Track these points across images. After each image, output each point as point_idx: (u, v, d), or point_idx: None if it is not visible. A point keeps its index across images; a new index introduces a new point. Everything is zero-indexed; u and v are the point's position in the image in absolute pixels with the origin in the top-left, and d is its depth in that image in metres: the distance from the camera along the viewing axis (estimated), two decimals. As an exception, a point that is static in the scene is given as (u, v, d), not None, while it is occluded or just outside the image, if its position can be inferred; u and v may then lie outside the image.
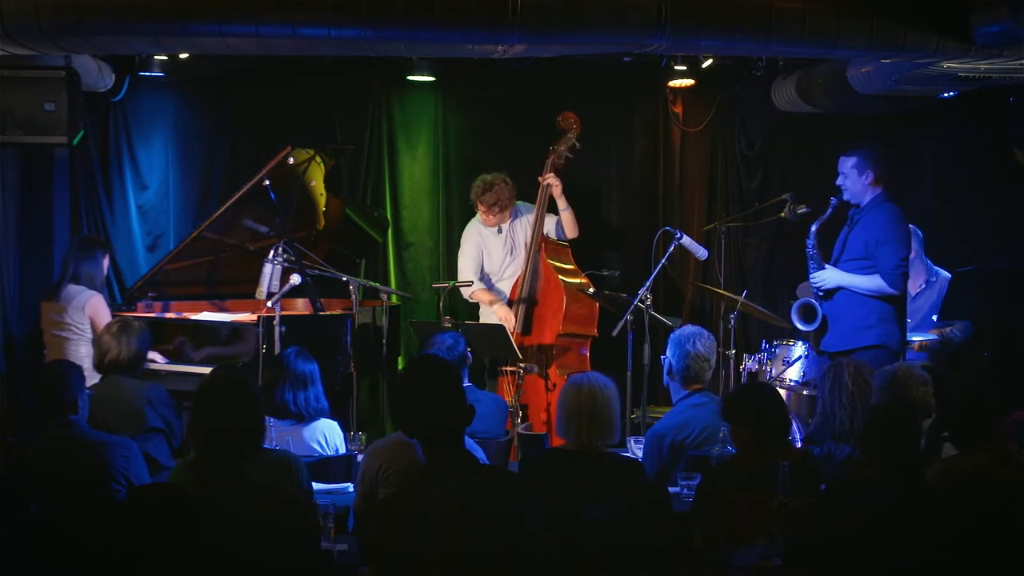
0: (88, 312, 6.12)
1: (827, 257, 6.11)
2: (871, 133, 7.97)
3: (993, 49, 5.34)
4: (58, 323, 6.14)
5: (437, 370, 3.52)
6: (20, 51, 5.34)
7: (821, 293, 6.05)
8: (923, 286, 6.93)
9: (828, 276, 6.02)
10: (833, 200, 6.05)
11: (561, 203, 6.89)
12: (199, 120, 7.78)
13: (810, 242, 6.08)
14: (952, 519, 3.36)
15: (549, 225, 6.93)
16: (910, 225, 6.93)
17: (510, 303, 6.91)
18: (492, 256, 7.04)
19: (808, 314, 6.10)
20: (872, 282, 5.90)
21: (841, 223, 6.17)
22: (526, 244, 6.95)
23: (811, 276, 6.08)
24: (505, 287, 7.03)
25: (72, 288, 6.16)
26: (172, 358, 6.34)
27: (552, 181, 6.82)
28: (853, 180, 6.00)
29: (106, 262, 6.39)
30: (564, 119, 6.92)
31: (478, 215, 7.04)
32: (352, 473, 4.52)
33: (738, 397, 4.30)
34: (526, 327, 6.81)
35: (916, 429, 3.77)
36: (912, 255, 6.89)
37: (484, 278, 7.03)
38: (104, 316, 6.11)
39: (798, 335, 6.49)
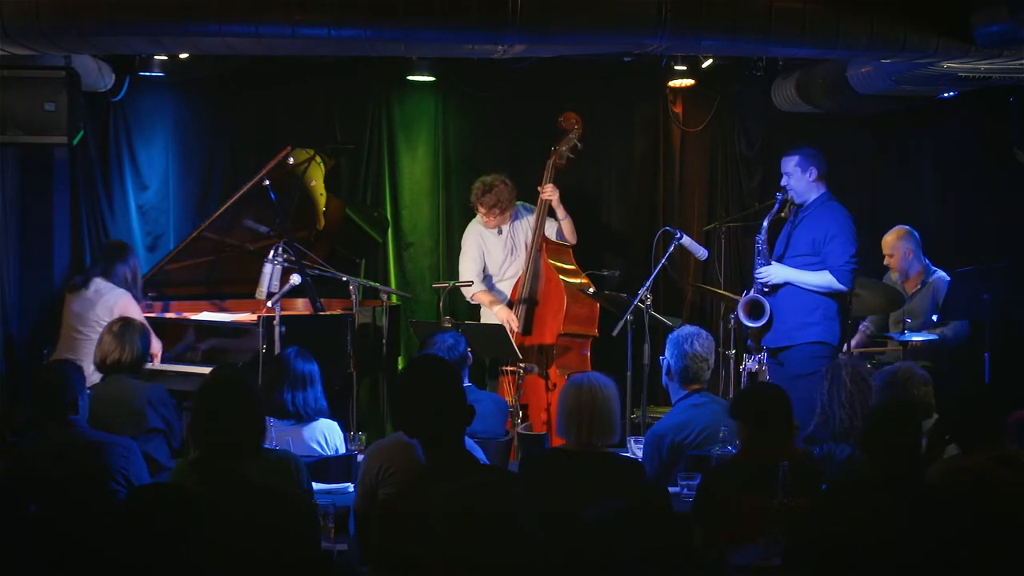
0: (117, 312, 6.06)
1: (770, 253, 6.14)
2: (871, 133, 7.98)
3: (993, 49, 5.34)
4: (81, 317, 6.08)
5: (437, 370, 3.52)
6: (20, 51, 5.34)
7: (767, 289, 6.06)
8: (919, 287, 6.93)
9: (774, 272, 6.02)
10: (779, 196, 6.10)
11: (560, 212, 6.90)
12: (199, 120, 7.78)
13: (760, 237, 6.10)
14: (953, 519, 3.36)
15: (549, 230, 6.94)
16: (904, 226, 6.96)
17: (511, 304, 6.91)
18: (492, 256, 7.04)
19: (755, 310, 6.10)
20: (821, 278, 5.92)
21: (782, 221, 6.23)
22: (526, 245, 6.96)
23: (757, 271, 6.09)
24: (506, 288, 7.03)
25: (102, 284, 6.10)
26: (172, 358, 6.33)
27: (550, 195, 6.83)
28: (797, 178, 6.03)
29: (135, 262, 6.36)
30: (566, 119, 6.92)
31: (479, 216, 7.04)
32: (352, 473, 4.52)
33: (745, 395, 4.31)
34: (527, 327, 6.81)
35: (916, 429, 3.77)
36: (910, 257, 6.91)
37: (485, 279, 7.03)
38: (134, 315, 6.06)
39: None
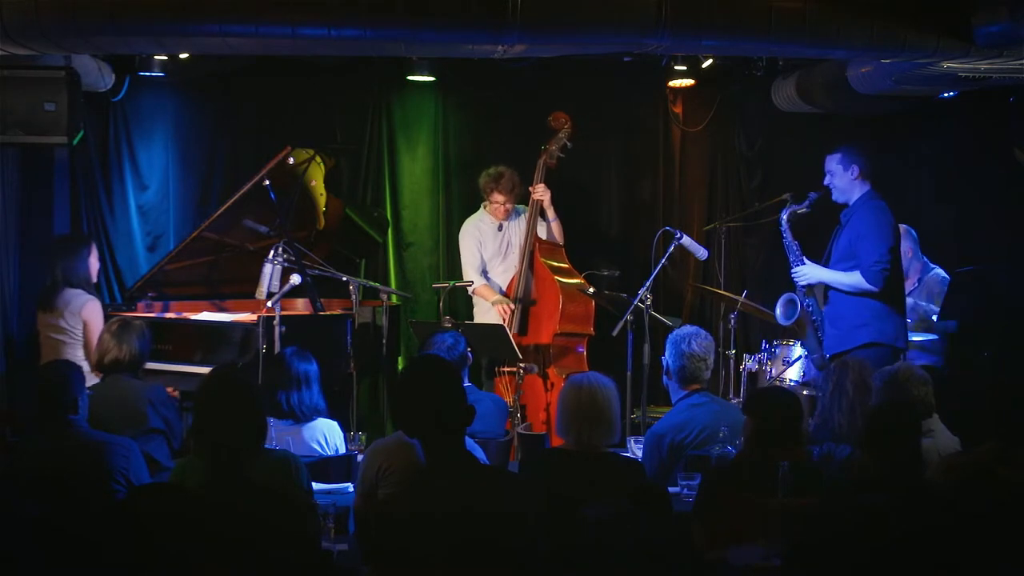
0: (84, 316, 6.10)
1: (819, 258, 6.09)
2: (871, 133, 7.96)
3: (993, 49, 5.34)
4: (55, 327, 6.13)
5: (437, 370, 3.52)
6: (20, 51, 5.33)
7: (803, 289, 6.04)
8: (916, 285, 6.94)
9: (807, 272, 6.01)
10: (812, 195, 6.04)
11: (550, 213, 6.92)
12: (199, 120, 7.78)
13: (783, 229, 6.07)
14: (953, 518, 3.36)
15: (540, 232, 6.96)
16: (903, 225, 6.95)
17: (506, 296, 6.92)
18: (487, 250, 7.05)
19: (791, 308, 6.10)
20: (851, 279, 5.86)
21: (827, 224, 6.17)
22: (520, 245, 6.98)
23: (792, 271, 6.07)
24: (499, 281, 7.05)
25: (69, 292, 6.14)
26: (172, 358, 6.34)
27: (542, 195, 6.84)
28: (840, 176, 5.97)
29: (93, 257, 6.33)
30: (555, 119, 6.94)
31: (479, 212, 7.07)
32: (352, 473, 4.52)
33: (762, 394, 4.30)
34: (522, 327, 6.82)
35: (916, 429, 3.77)
36: (910, 256, 6.90)
37: (483, 272, 7.05)
38: (98, 320, 6.08)
39: (788, 333, 6.48)
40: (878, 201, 5.97)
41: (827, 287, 6.04)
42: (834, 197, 6.04)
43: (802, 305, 6.05)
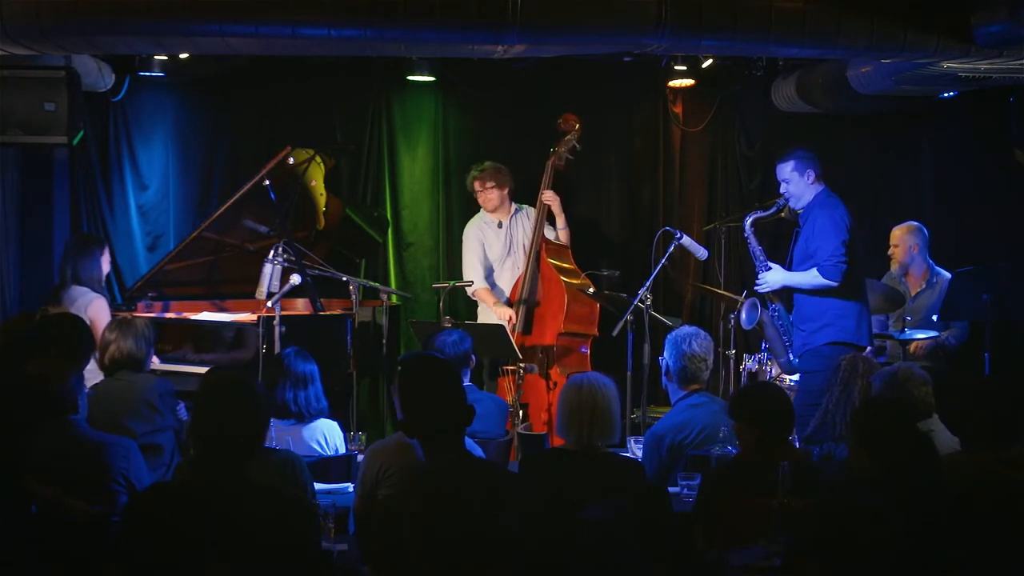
0: (89, 314, 6.08)
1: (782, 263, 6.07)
2: (871, 133, 7.98)
3: (993, 49, 5.34)
4: None
5: (437, 369, 3.52)
6: (20, 51, 5.34)
7: (763, 293, 6.01)
8: (923, 286, 6.93)
9: (768, 278, 5.95)
10: (780, 201, 6.00)
11: (560, 221, 6.93)
12: (199, 120, 7.79)
13: (747, 235, 6.03)
14: (954, 519, 3.36)
15: (548, 234, 6.96)
16: (914, 222, 6.94)
17: (510, 303, 6.92)
18: (492, 250, 7.05)
19: (754, 313, 6.09)
20: (809, 276, 5.79)
21: (789, 231, 6.17)
22: (524, 246, 6.98)
23: (757, 277, 6.03)
24: (504, 285, 7.05)
25: (75, 290, 6.13)
26: (172, 358, 6.33)
27: (550, 200, 6.84)
28: (796, 183, 5.87)
29: (105, 259, 6.35)
30: (565, 121, 6.93)
31: (480, 214, 7.09)
32: (352, 473, 4.52)
33: (749, 396, 4.28)
34: (527, 327, 6.82)
35: (903, 426, 3.76)
36: (915, 252, 6.90)
37: (488, 275, 7.05)
38: (104, 318, 6.08)
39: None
40: (832, 199, 5.89)
41: (792, 290, 5.98)
42: (792, 204, 5.97)
43: (767, 309, 6.02)
